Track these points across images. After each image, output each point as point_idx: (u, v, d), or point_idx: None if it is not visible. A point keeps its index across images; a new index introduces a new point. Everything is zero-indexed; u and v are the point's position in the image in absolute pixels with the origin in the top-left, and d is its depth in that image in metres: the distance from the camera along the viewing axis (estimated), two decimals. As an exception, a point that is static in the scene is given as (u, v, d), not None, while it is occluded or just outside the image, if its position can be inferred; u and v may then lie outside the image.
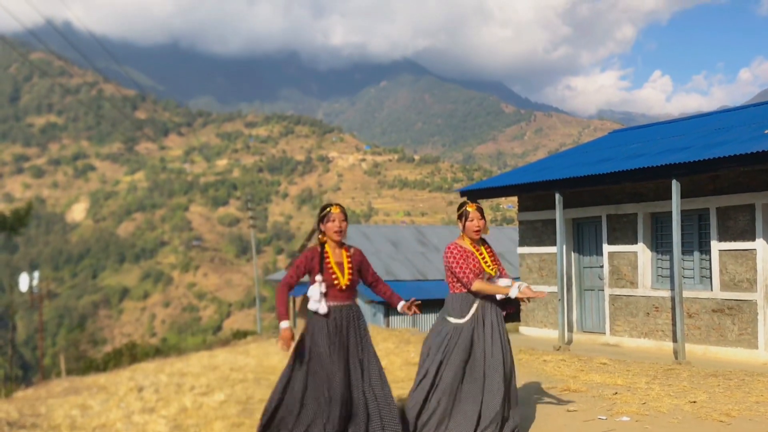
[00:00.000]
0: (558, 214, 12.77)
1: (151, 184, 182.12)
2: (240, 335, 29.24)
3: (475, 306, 5.39)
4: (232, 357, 11.77)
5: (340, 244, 5.30)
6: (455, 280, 5.44)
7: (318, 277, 5.11)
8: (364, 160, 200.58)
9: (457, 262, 5.38)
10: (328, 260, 5.19)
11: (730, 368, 9.56)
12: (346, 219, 5.27)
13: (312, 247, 5.30)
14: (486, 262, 5.49)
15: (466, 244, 5.53)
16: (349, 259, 5.26)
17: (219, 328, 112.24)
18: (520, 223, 15.10)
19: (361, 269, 5.36)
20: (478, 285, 5.30)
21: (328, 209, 5.26)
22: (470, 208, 5.46)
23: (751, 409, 6.74)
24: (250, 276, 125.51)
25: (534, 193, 14.05)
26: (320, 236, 5.31)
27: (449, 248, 5.46)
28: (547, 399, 7.51)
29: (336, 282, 5.14)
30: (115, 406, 7.48)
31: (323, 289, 5.11)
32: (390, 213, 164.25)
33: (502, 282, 5.48)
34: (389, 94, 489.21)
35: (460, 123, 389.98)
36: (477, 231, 5.44)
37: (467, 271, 5.34)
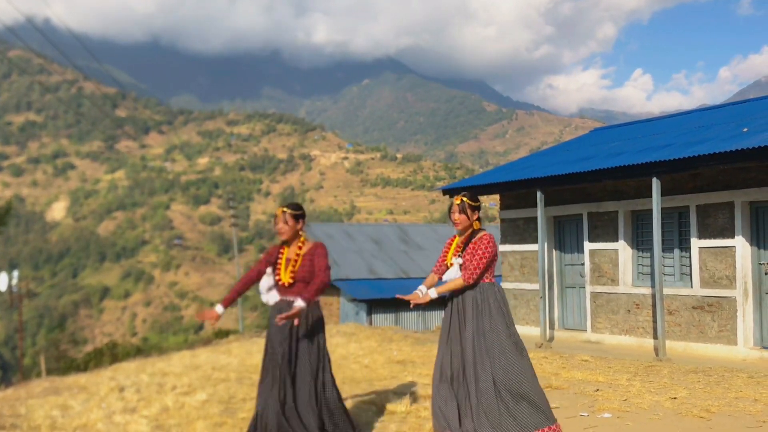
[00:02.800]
0: (539, 212, 12.82)
1: (132, 182, 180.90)
2: (222, 334, 29.08)
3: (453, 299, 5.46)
4: (214, 356, 11.71)
5: (297, 242, 5.39)
6: None
7: (268, 270, 5.36)
8: (346, 158, 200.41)
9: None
10: (281, 256, 5.37)
11: (710, 364, 9.65)
12: (292, 219, 5.36)
13: (280, 243, 5.49)
14: (448, 253, 5.54)
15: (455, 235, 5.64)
16: (297, 256, 5.31)
17: (201, 327, 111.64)
18: (502, 221, 15.14)
19: (313, 264, 5.34)
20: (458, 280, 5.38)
21: (276, 214, 5.46)
22: (455, 200, 5.47)
23: (730, 404, 6.81)
24: (232, 275, 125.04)
25: (516, 191, 14.09)
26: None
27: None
28: (529, 396, 7.53)
29: (278, 278, 5.30)
30: (96, 406, 7.42)
31: (271, 282, 5.33)
32: (372, 211, 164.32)
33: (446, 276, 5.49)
34: (372, 92, 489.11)
35: (442, 121, 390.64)
36: (455, 224, 5.44)
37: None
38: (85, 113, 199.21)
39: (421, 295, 5.25)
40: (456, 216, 5.41)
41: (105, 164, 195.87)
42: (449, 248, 5.55)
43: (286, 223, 5.36)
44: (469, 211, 5.40)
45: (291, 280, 5.24)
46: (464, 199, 5.41)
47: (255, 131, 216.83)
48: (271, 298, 5.31)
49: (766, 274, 10.63)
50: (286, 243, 5.41)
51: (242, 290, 5.33)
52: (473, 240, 5.40)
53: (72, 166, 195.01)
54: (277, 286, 5.33)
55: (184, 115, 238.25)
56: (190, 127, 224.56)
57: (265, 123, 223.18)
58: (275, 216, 5.41)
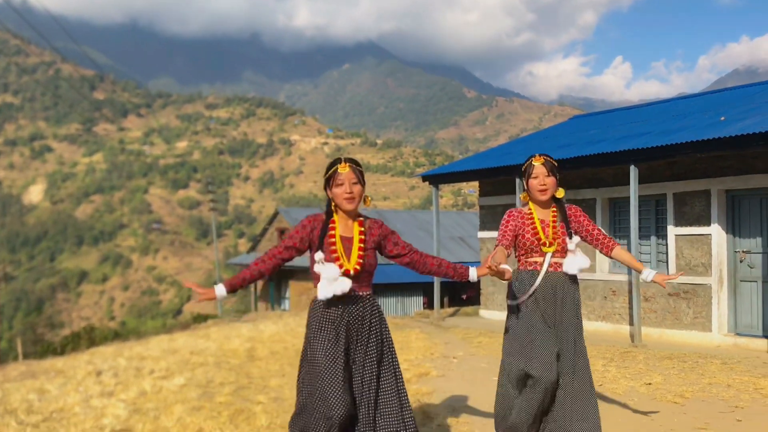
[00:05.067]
0: (518, 199, 12.88)
1: (110, 165, 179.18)
2: (200, 319, 29.01)
3: (536, 283, 4.37)
4: (193, 341, 11.69)
5: (354, 215, 3.95)
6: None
7: (318, 255, 3.79)
8: (326, 143, 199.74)
9: (502, 227, 4.47)
10: (332, 234, 3.87)
11: (684, 351, 9.78)
12: (360, 181, 3.85)
13: (316, 213, 3.99)
14: (544, 233, 4.39)
15: (528, 208, 4.51)
16: (362, 236, 3.91)
17: (179, 311, 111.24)
18: (481, 207, 15.20)
19: (382, 246, 4.02)
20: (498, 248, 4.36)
21: (334, 168, 3.87)
22: (536, 162, 4.38)
23: (704, 390, 6.91)
24: (210, 260, 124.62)
25: (495, 178, 14.14)
26: (331, 205, 3.95)
27: (506, 213, 4.56)
28: (506, 381, 7.60)
29: (339, 265, 3.80)
30: (74, 390, 7.39)
31: (336, 271, 3.75)
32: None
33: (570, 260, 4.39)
34: (352, 77, 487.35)
35: (422, 107, 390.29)
36: (542, 190, 4.36)
37: (500, 236, 4.44)
38: (63, 95, 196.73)
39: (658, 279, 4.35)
40: (544, 179, 4.33)
41: (83, 147, 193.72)
42: (527, 226, 4.41)
43: (358, 183, 3.86)
44: (556, 174, 4.41)
45: (358, 268, 3.84)
46: (549, 158, 4.42)
47: (234, 115, 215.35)
48: (325, 291, 3.75)
49: (741, 261, 10.77)
50: (331, 216, 3.91)
51: (252, 280, 3.86)
52: (567, 212, 4.48)
53: (49, 149, 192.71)
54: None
55: (162, 99, 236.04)
56: (168, 111, 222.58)
57: (244, 107, 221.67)
58: (337, 174, 3.83)
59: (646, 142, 10.98)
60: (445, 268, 4.13)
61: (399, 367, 3.97)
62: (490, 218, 14.85)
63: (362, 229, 3.92)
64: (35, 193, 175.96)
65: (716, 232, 10.87)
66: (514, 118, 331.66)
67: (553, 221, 4.40)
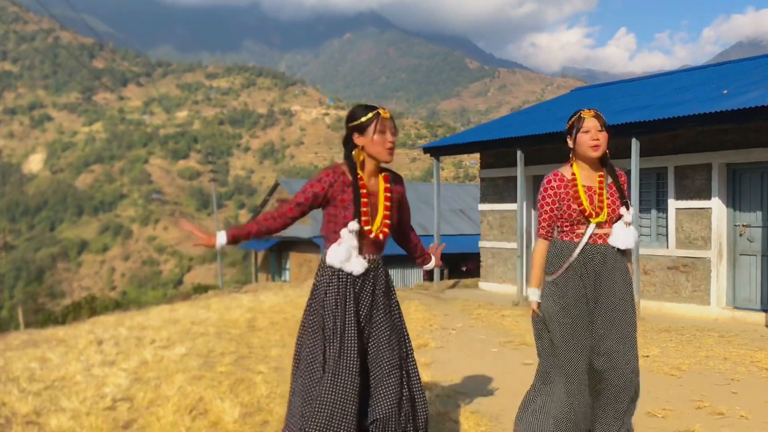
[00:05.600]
0: (519, 171, 12.86)
1: (110, 135, 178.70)
2: (201, 290, 29.15)
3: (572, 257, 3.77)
4: (193, 311, 11.75)
5: (379, 169, 3.49)
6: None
7: (353, 225, 3.33)
8: (327, 114, 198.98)
9: (541, 201, 3.85)
10: (364, 192, 3.39)
11: (683, 324, 9.83)
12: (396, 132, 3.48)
13: (334, 165, 3.46)
14: (597, 201, 3.81)
15: (572, 171, 3.85)
16: (388, 193, 3.47)
17: (180, 282, 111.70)
18: (482, 179, 15.18)
19: (400, 208, 3.61)
20: (535, 251, 3.89)
21: (375, 111, 3.40)
22: (586, 115, 3.78)
23: (701, 363, 6.96)
24: (211, 231, 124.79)
25: (496, 150, 14.12)
26: (355, 153, 3.41)
27: (544, 181, 3.87)
28: (504, 353, 7.66)
29: (366, 227, 3.38)
30: (75, 359, 7.44)
31: (354, 240, 3.35)
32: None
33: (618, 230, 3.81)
34: (353, 47, 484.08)
35: (424, 78, 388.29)
36: (595, 146, 3.76)
37: (541, 221, 3.85)
38: (62, 64, 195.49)
39: None
40: (596, 133, 3.75)
41: (82, 116, 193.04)
42: (576, 192, 3.78)
43: (395, 134, 3.46)
44: (607, 132, 3.85)
45: (387, 230, 3.45)
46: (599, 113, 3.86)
47: (234, 85, 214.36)
48: (354, 265, 3.37)
49: (740, 235, 10.79)
50: (352, 169, 3.40)
51: (258, 235, 3.43)
52: (621, 178, 3.97)
53: (49, 118, 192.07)
54: (360, 242, 3.39)
55: (162, 68, 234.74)
56: (168, 80, 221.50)
57: (244, 76, 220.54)
58: (381, 120, 3.38)
59: (648, 115, 10.94)
60: (415, 247, 3.78)
61: (408, 339, 3.57)
62: (491, 190, 14.84)
63: (388, 185, 3.49)
64: (35, 163, 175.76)
65: (717, 205, 10.87)
66: (516, 89, 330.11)
67: (600, 188, 3.82)
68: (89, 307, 25.63)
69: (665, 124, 10.41)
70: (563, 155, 3.96)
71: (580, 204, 3.74)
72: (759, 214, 10.58)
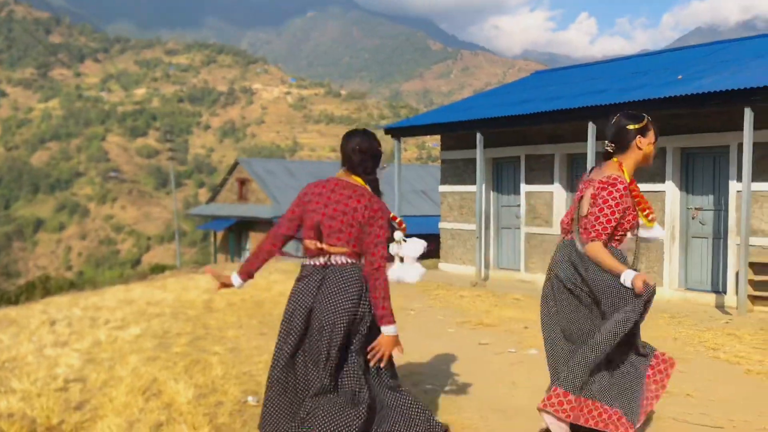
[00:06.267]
0: (479, 153, 12.94)
1: (66, 112, 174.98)
2: (158, 270, 28.82)
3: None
4: (149, 291, 11.64)
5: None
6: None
7: (398, 234, 3.88)
8: (289, 93, 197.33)
9: (613, 205, 3.63)
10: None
11: (634, 304, 10.01)
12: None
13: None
14: (643, 209, 3.89)
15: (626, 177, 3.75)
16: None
17: (138, 262, 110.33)
18: (443, 161, 15.24)
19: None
20: (595, 247, 3.68)
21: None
22: (646, 122, 3.80)
23: (651, 343, 7.09)
24: (170, 209, 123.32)
25: (456, 132, 14.16)
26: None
27: (613, 183, 3.62)
28: (461, 333, 7.73)
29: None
30: (27, 339, 7.34)
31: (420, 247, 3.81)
32: (315, 148, 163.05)
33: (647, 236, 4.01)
34: (316, 25, 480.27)
35: (387, 59, 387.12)
36: (650, 157, 3.84)
37: (602, 227, 3.66)
38: (17, 38, 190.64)
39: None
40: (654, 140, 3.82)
41: (38, 92, 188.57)
42: (630, 199, 3.73)
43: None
44: None
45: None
46: None
47: (195, 62, 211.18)
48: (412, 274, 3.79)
49: (693, 218, 11.00)
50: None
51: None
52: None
53: (3, 94, 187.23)
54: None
55: (120, 44, 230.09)
56: (127, 56, 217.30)
57: (205, 54, 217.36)
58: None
59: (604, 99, 11.07)
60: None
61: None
62: (451, 172, 14.90)
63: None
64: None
65: (670, 189, 11.06)
66: (478, 71, 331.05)
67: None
68: (43, 287, 25.18)
69: (620, 108, 10.52)
70: (521, 138, 4.02)
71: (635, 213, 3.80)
72: (711, 197, 10.80)
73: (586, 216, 3.73)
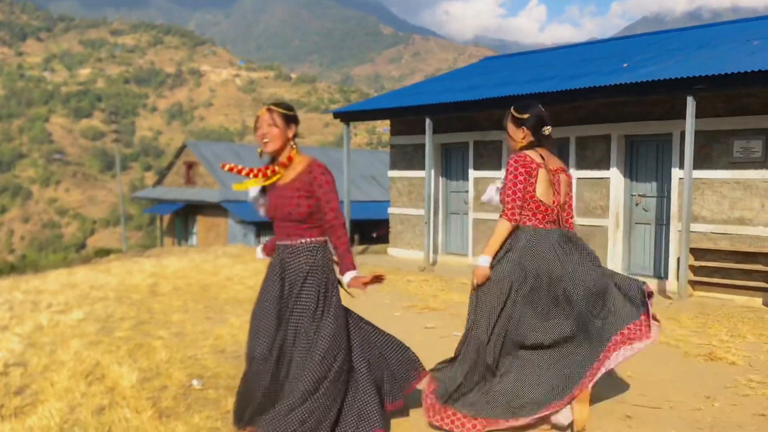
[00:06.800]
0: (428, 139, 12.98)
1: (8, 92, 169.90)
2: (102, 254, 28.29)
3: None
4: (93, 275, 11.42)
5: (288, 159, 3.90)
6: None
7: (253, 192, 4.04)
8: (238, 75, 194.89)
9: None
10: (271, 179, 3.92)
11: (579, 289, 10.18)
12: (282, 120, 3.88)
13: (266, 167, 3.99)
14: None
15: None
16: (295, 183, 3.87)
17: (83, 246, 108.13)
18: (392, 146, 15.26)
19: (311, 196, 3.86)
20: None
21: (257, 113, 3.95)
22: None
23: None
24: (114, 192, 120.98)
25: (406, 117, 14.19)
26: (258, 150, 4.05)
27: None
28: (407, 317, 7.78)
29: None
30: (-36, 324, 7.14)
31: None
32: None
33: None
34: (266, 7, 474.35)
35: (338, 42, 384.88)
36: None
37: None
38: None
39: None
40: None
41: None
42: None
43: (274, 125, 3.86)
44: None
45: (271, 214, 3.91)
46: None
47: (141, 42, 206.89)
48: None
49: (636, 205, 11.24)
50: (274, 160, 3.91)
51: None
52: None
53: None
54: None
55: (64, 22, 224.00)
56: (71, 36, 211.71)
57: (151, 34, 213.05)
58: (257, 118, 3.92)
59: (552, 86, 11.20)
60: (339, 249, 3.86)
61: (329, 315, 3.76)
62: (400, 157, 14.93)
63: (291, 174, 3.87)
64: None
65: (615, 175, 11.27)
66: (430, 57, 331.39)
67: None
68: (-17, 271, 24.51)
69: (567, 95, 10.68)
70: (470, 124, 4.19)
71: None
72: (654, 184, 11.04)
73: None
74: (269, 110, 3.90)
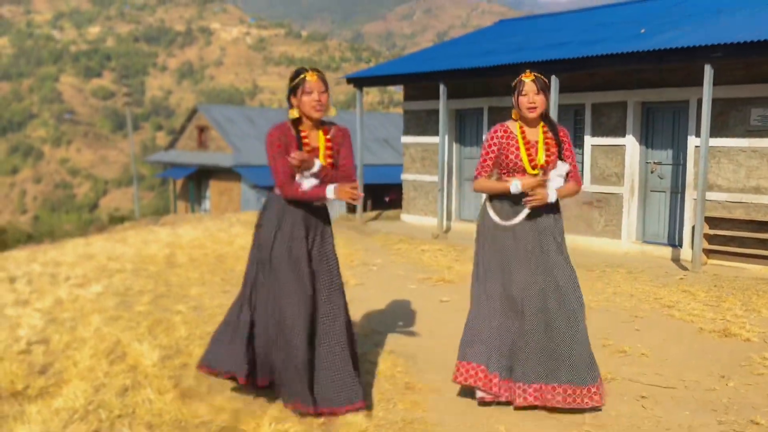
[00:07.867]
0: (441, 104, 12.89)
1: (17, 50, 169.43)
2: (116, 220, 28.42)
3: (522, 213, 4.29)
4: (110, 246, 11.50)
5: (319, 124, 4.06)
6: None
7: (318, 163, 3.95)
8: (248, 33, 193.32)
9: (483, 147, 4.31)
10: (307, 143, 3.98)
11: (594, 258, 10.20)
12: (327, 90, 3.96)
13: (280, 124, 4.04)
14: (530, 155, 4.19)
15: (515, 126, 4.27)
16: (329, 144, 4.07)
17: (95, 206, 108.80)
18: (405, 112, 15.17)
19: (339, 155, 4.13)
20: (477, 184, 4.33)
21: (302, 76, 3.91)
22: (526, 78, 4.16)
23: (608, 300, 7.28)
24: (126, 153, 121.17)
25: (419, 83, 14.08)
26: (292, 111, 3.99)
27: (491, 131, 4.30)
28: (422, 290, 7.83)
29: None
30: (-15, 298, 7.24)
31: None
32: (276, 91, 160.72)
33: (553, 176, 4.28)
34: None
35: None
36: (531, 108, 4.14)
37: (480, 163, 4.29)
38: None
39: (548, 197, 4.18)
40: (533, 97, 4.13)
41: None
42: (517, 144, 4.19)
43: (326, 91, 3.96)
44: (547, 92, 4.21)
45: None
46: (539, 75, 4.20)
47: (150, 0, 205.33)
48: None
49: (652, 172, 11.18)
50: (297, 125, 4.00)
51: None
52: (560, 133, 4.30)
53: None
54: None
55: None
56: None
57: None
58: (306, 83, 3.89)
59: (567, 52, 11.07)
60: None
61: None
62: (414, 123, 14.86)
63: (328, 137, 4.07)
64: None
65: (630, 143, 11.20)
66: (442, 13, 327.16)
67: (545, 141, 4.21)
68: (0, 241, 24.68)
69: (583, 62, 10.55)
70: (484, 89, 4.23)
71: (519, 155, 4.15)
72: (670, 152, 10.97)
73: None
74: (320, 76, 3.95)
